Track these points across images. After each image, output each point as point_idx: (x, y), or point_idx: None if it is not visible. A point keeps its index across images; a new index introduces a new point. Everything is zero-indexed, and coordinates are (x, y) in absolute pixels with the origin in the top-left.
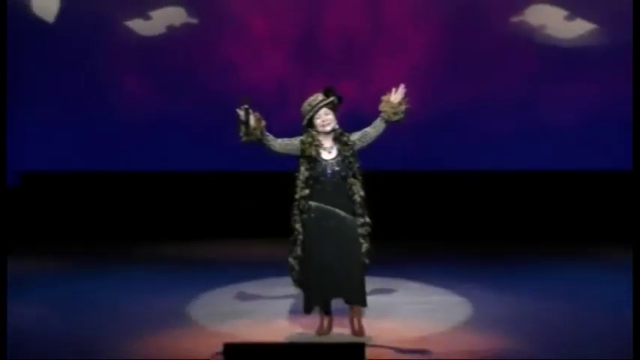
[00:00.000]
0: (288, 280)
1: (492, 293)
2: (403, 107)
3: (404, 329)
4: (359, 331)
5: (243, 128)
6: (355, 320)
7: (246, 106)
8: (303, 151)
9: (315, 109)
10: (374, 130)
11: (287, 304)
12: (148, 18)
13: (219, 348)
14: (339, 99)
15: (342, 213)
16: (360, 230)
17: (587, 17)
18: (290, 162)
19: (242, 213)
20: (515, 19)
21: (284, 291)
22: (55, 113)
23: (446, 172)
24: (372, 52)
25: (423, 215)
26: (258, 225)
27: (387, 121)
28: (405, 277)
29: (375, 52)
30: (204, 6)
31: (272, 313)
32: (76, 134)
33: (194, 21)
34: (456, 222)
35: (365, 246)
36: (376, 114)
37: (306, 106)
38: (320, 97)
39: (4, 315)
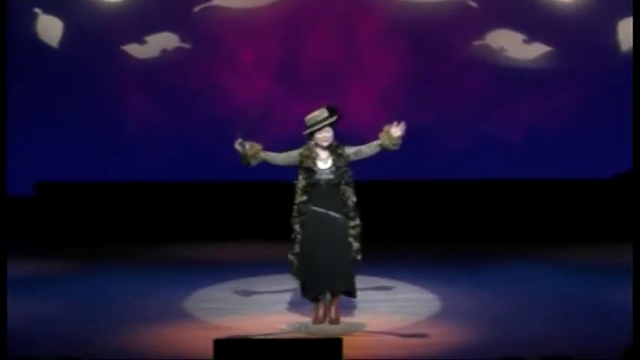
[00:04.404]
0: (278, 277)
1: (458, 290)
2: (400, 140)
3: (375, 324)
4: (335, 320)
5: (242, 157)
6: (333, 309)
7: (240, 140)
8: (301, 162)
9: (320, 125)
10: (369, 149)
11: (277, 299)
12: (143, 42)
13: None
14: (340, 117)
15: (336, 215)
16: (352, 231)
17: (544, 41)
18: (278, 173)
19: (232, 218)
20: (477, 42)
21: (274, 287)
22: (63, 129)
23: (414, 182)
24: (346, 75)
25: (394, 219)
26: (248, 229)
27: (383, 148)
28: (378, 275)
29: (349, 74)
30: (195, 32)
31: (263, 308)
32: (80, 148)
33: (187, 46)
34: (423, 226)
35: (356, 245)
36: (350, 128)
37: (311, 119)
38: (325, 113)
39: (5, 315)
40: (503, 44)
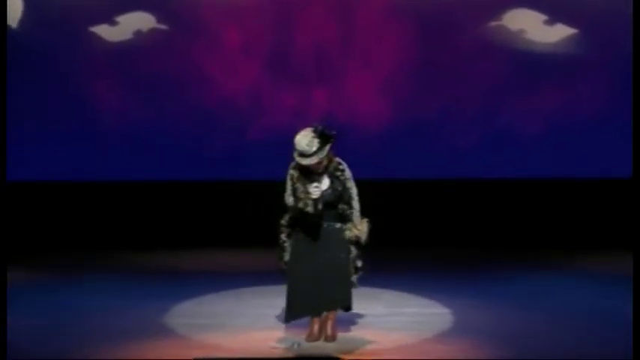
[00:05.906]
0: (268, 289)
1: (468, 303)
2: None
3: (377, 341)
4: (331, 337)
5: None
6: (329, 325)
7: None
8: (293, 184)
9: (310, 161)
10: (354, 202)
11: (266, 313)
12: (114, 23)
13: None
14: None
15: (330, 224)
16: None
17: (568, 22)
18: (273, 172)
19: (218, 222)
20: (492, 23)
21: (262, 301)
22: (26, 122)
23: (420, 181)
24: (343, 62)
25: (397, 223)
26: (236, 234)
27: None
28: (380, 285)
29: (347, 61)
30: (173, 12)
31: (251, 323)
32: (47, 143)
33: (163, 27)
34: (429, 230)
35: (355, 252)
36: (348, 121)
37: (300, 150)
38: (314, 145)
39: (5, 321)
40: (522, 26)
